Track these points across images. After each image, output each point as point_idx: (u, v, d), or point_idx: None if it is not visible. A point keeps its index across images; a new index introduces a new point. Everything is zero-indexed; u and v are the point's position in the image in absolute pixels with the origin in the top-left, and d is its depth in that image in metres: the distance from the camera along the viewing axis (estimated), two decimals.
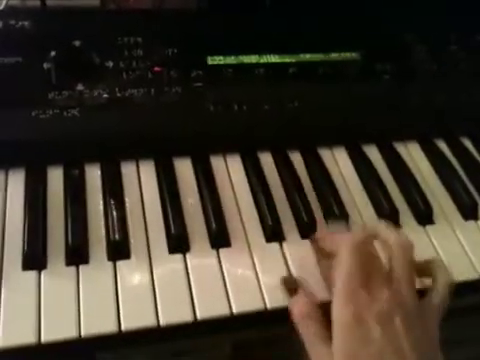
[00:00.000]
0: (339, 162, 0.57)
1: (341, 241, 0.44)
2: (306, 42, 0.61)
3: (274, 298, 0.44)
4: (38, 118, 0.51)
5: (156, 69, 0.56)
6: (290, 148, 0.57)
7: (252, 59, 0.59)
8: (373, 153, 0.58)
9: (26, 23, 0.57)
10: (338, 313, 0.41)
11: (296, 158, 0.56)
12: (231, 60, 0.59)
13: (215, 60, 0.59)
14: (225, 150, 0.55)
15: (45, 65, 0.54)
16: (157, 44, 0.58)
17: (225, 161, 0.55)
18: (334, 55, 0.61)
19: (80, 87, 0.53)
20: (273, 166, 0.55)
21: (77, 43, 0.56)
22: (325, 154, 0.57)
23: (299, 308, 0.43)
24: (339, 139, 0.58)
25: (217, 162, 0.55)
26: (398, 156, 0.59)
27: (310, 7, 0.63)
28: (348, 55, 0.61)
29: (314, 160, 0.56)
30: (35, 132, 0.51)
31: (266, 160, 0.55)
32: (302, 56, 0.60)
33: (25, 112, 0.51)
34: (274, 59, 0.60)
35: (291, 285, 0.44)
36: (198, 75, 0.57)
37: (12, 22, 0.57)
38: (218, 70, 0.58)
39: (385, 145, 0.60)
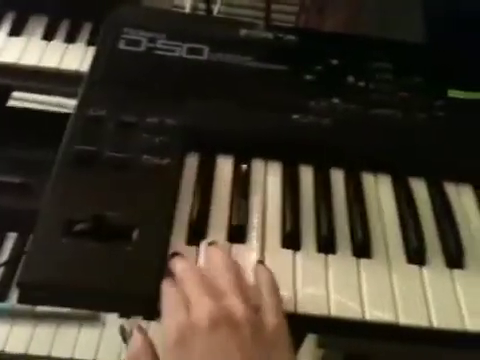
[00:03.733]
0: None
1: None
2: None
3: None
4: (298, 121, 0.58)
5: (402, 94, 0.61)
6: None
7: None
8: None
9: (292, 38, 0.66)
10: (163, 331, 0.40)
11: None
12: (470, 95, 0.62)
13: (456, 94, 0.62)
14: (458, 178, 0.58)
15: (308, 76, 0.62)
16: (404, 72, 0.63)
17: (457, 189, 0.58)
18: None
19: (335, 100, 0.60)
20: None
21: (335, 62, 0.63)
22: None
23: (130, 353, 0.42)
24: None
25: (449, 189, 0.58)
26: None
27: None
28: None
29: None
30: (293, 133, 0.58)
31: None
32: None
33: (287, 115, 0.58)
34: None
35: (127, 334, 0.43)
36: (440, 105, 0.61)
37: (280, 35, 0.66)
38: (458, 103, 0.61)
39: None
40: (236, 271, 0.44)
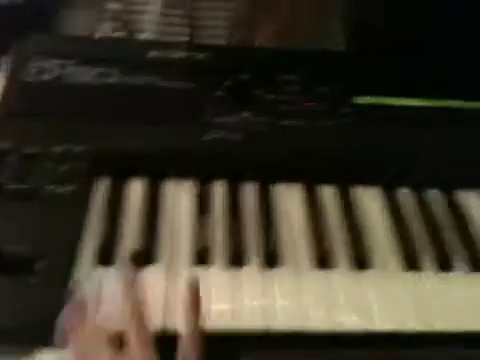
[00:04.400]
0: None
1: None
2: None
3: None
4: (209, 138, 0.59)
5: (310, 103, 0.63)
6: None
7: (397, 101, 0.64)
8: None
9: (202, 55, 0.66)
10: None
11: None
12: (377, 101, 0.64)
13: (362, 100, 0.64)
14: (366, 182, 0.60)
15: (218, 93, 0.62)
16: (312, 81, 0.65)
17: (363, 192, 0.59)
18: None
19: (245, 114, 0.61)
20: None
21: (244, 76, 0.64)
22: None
23: None
24: None
25: (356, 192, 0.59)
26: None
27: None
28: None
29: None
30: (205, 151, 0.58)
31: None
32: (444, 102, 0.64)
33: (198, 132, 0.59)
34: (417, 103, 0.64)
35: None
36: (346, 112, 0.63)
37: (190, 53, 0.67)
38: (364, 109, 0.63)
39: None
40: (117, 318, 0.43)
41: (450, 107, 0.64)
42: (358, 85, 0.65)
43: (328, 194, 0.59)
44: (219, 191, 0.57)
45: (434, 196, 0.60)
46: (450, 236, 0.56)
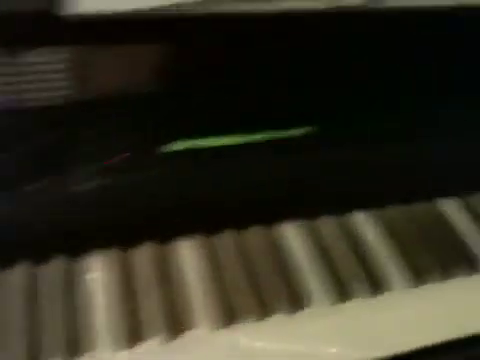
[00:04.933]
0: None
1: None
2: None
3: None
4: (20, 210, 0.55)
5: (118, 157, 0.59)
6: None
7: (209, 142, 0.62)
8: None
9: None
10: None
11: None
12: (186, 145, 0.61)
13: (173, 145, 0.61)
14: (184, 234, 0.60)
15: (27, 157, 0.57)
16: (117, 134, 0.60)
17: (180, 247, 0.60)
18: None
19: (49, 181, 0.57)
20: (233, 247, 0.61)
21: (50, 137, 0.59)
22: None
23: None
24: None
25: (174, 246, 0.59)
26: None
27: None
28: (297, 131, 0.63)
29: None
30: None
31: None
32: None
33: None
34: (230, 141, 0.62)
35: None
36: (155, 161, 0.60)
37: None
38: (176, 155, 0.61)
39: None
40: None
41: (261, 141, 0.63)
42: (167, 131, 0.61)
43: (144, 253, 0.58)
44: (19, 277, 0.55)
45: (254, 235, 0.62)
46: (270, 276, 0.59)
